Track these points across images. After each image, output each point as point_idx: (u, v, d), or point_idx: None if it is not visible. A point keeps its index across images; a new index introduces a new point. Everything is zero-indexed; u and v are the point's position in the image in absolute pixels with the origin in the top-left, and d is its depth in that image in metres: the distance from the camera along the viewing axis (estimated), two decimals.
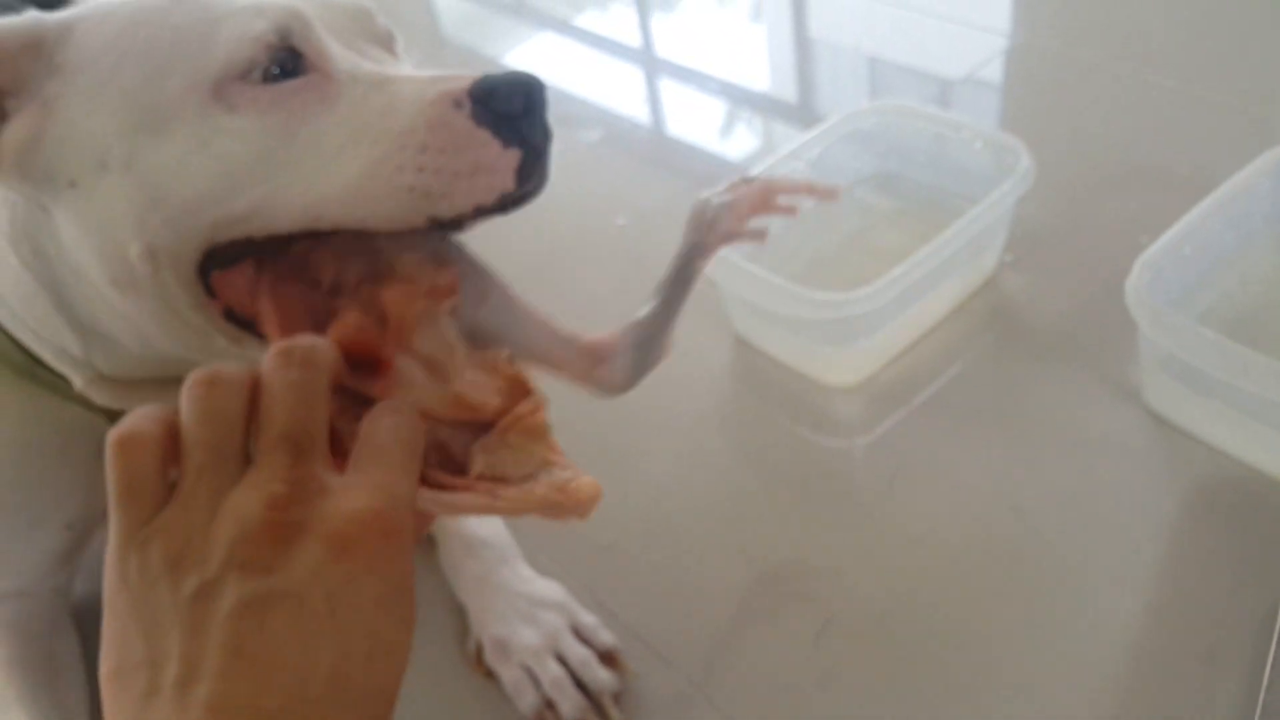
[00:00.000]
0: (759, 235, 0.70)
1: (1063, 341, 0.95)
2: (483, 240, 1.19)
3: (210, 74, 0.53)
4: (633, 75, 1.49)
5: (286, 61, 0.53)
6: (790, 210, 0.70)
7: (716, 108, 1.38)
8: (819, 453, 0.91)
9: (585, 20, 1.61)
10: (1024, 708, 0.71)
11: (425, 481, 0.52)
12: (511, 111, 0.53)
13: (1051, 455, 0.86)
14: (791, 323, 0.91)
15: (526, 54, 1.55)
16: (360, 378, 0.53)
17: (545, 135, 0.55)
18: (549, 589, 0.80)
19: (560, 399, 0.96)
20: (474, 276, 0.59)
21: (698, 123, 1.36)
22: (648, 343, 0.65)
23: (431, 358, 0.56)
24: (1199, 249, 0.86)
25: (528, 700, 0.75)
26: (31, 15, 0.55)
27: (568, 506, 0.53)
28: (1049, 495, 0.83)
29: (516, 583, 0.81)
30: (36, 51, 0.55)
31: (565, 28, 1.60)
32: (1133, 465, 0.85)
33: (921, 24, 1.44)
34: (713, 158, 1.30)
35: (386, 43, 0.60)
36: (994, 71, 1.33)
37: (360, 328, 0.54)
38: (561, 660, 0.76)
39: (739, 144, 1.33)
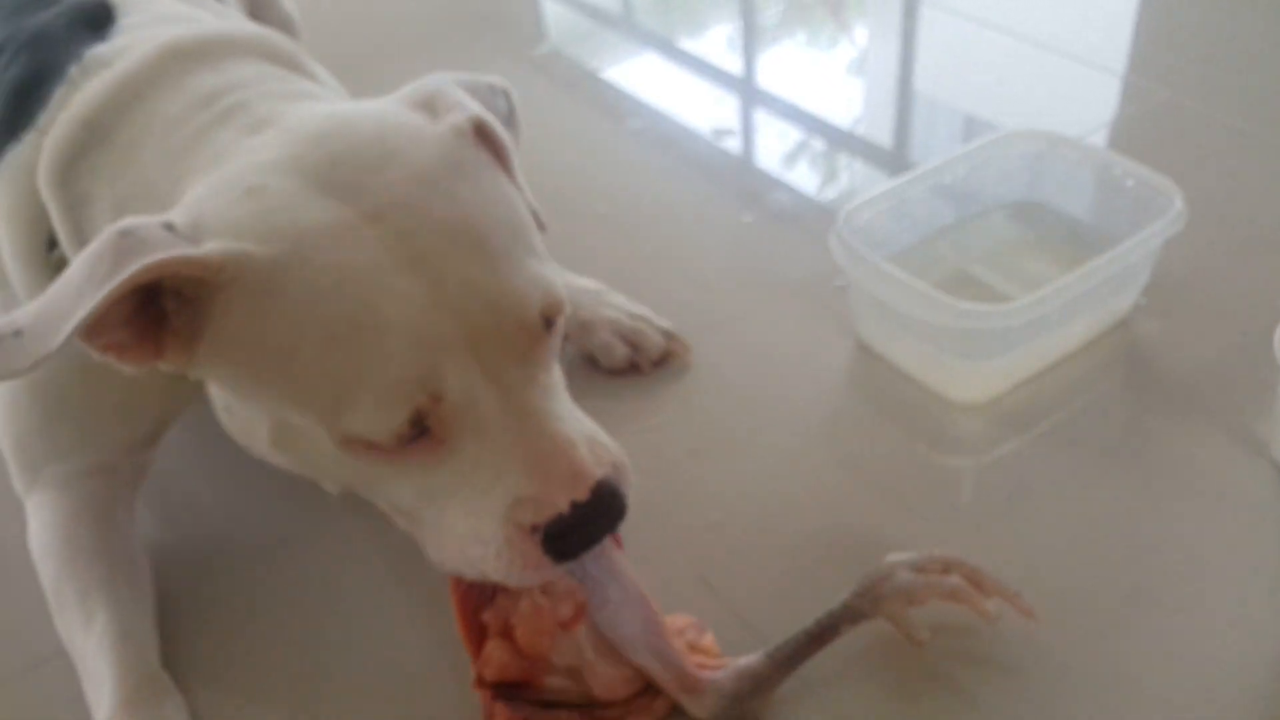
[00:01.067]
0: (918, 639, 0.71)
1: (1192, 390, 0.94)
2: (617, 220, 1.20)
3: (339, 432, 0.57)
4: (731, 102, 1.49)
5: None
6: (987, 615, 0.72)
7: (808, 144, 1.38)
8: (933, 469, 0.90)
9: (690, 44, 1.61)
10: None
11: None
12: (572, 554, 0.61)
13: (1173, 500, 0.85)
14: (924, 331, 0.91)
15: (628, 71, 1.55)
16: (514, 690, 0.66)
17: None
18: (603, 286, 1.01)
19: (679, 375, 0.97)
20: (596, 585, 0.67)
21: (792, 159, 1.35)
22: (745, 696, 0.69)
23: (570, 666, 0.67)
24: None
25: (618, 353, 0.97)
26: (217, 252, 0.55)
27: None
28: (1169, 540, 0.82)
29: (581, 284, 1.01)
30: (202, 282, 0.56)
31: (669, 49, 1.60)
32: (1258, 519, 0.83)
33: (1045, 76, 1.44)
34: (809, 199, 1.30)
35: (532, 351, 0.60)
36: (1122, 126, 1.32)
37: (504, 665, 0.66)
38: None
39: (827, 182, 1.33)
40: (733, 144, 1.35)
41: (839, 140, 1.37)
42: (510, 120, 0.70)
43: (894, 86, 1.47)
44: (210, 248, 0.55)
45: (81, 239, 0.67)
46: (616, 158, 1.33)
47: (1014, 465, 0.89)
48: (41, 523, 0.78)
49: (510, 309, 0.58)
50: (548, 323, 0.61)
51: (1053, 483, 0.87)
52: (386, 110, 0.63)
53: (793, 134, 1.37)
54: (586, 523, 0.60)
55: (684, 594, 0.80)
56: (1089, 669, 0.74)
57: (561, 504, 0.59)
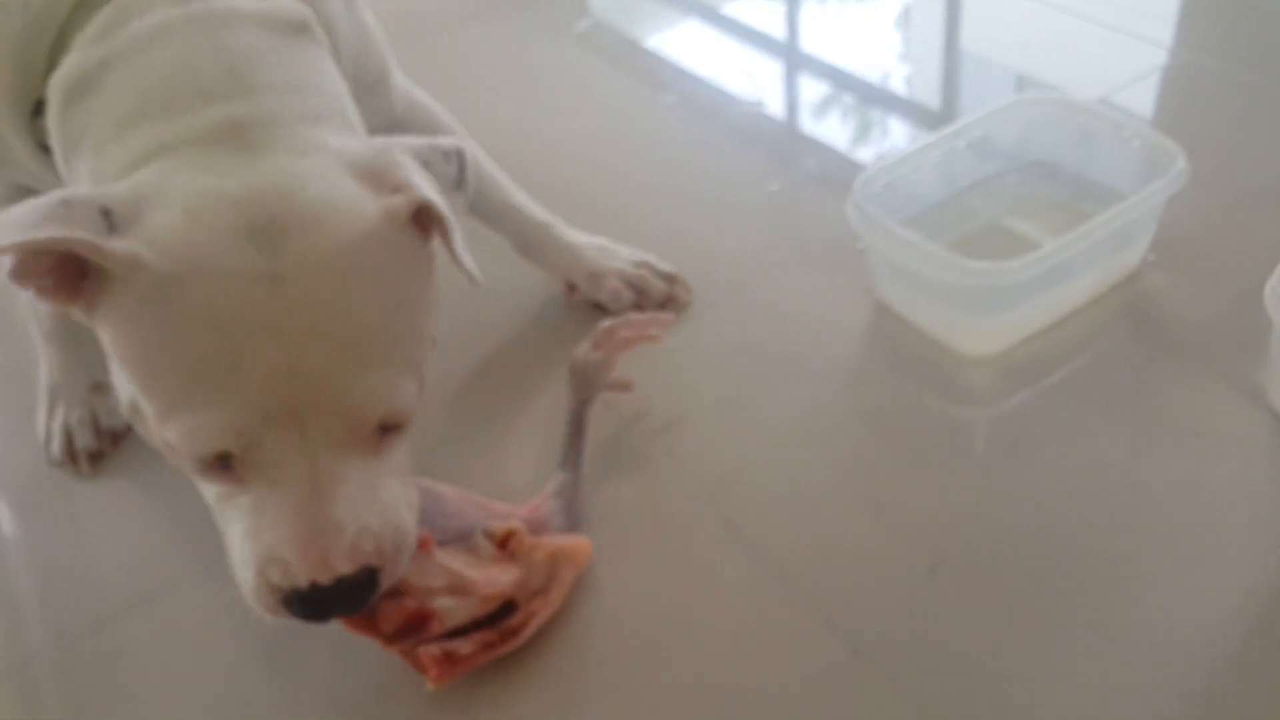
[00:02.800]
0: (626, 386, 0.94)
1: (1196, 342, 0.98)
2: (651, 188, 1.25)
3: (161, 433, 0.65)
4: (774, 68, 1.54)
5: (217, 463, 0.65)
6: (658, 340, 0.96)
7: (854, 107, 1.42)
8: (945, 419, 0.95)
9: (733, 9, 1.66)
10: (1117, 664, 0.75)
11: (514, 635, 0.77)
12: (306, 619, 0.68)
13: (1173, 446, 0.90)
14: (936, 289, 0.96)
15: (672, 39, 1.60)
16: (417, 633, 0.74)
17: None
18: (611, 242, 1.10)
19: (708, 331, 1.02)
20: (425, 516, 0.76)
21: (835, 123, 1.40)
22: (571, 503, 0.85)
23: (449, 585, 0.75)
24: None
25: (624, 298, 1.06)
26: (119, 250, 0.62)
27: (582, 565, 0.82)
28: (1167, 480, 0.87)
29: (590, 241, 1.10)
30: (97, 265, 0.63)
31: (712, 15, 1.65)
32: (1253, 462, 0.88)
33: (1079, 33, 1.47)
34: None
35: (357, 444, 0.67)
36: (1151, 85, 1.35)
37: (393, 611, 0.73)
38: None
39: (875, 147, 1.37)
40: (768, 112, 1.40)
41: (885, 103, 1.41)
42: (460, 182, 0.74)
43: (940, 46, 1.51)
44: (115, 245, 0.62)
45: (71, 167, 0.75)
46: (653, 128, 1.39)
47: (1022, 416, 0.94)
48: None
49: (348, 410, 0.65)
50: (387, 427, 0.68)
51: (1058, 432, 0.92)
52: (337, 180, 0.67)
53: (837, 98, 1.42)
54: (321, 603, 0.67)
55: (708, 536, 0.87)
56: (1084, 598, 0.79)
57: (301, 580, 0.66)
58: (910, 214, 1.07)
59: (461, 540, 0.78)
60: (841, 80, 1.46)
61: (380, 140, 0.72)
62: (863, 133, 1.36)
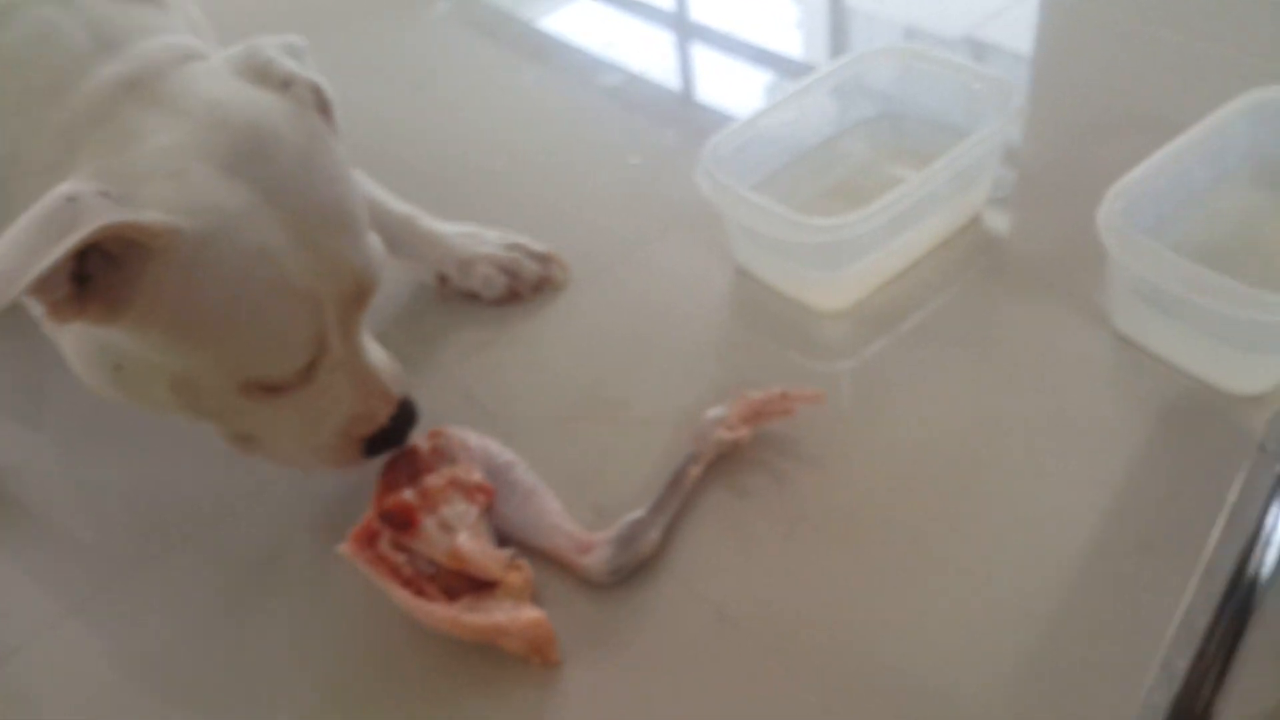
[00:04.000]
0: (738, 444, 0.88)
1: (1042, 274, 1.00)
2: (507, 169, 1.23)
3: (243, 377, 0.72)
4: (664, 38, 1.52)
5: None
6: (787, 413, 0.88)
7: (746, 71, 1.42)
8: (806, 375, 0.96)
9: None
10: (978, 599, 0.77)
11: (419, 593, 0.76)
12: (381, 451, 0.82)
13: (1026, 377, 0.92)
14: (786, 249, 0.97)
15: (561, 18, 1.59)
16: (396, 530, 0.78)
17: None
18: (479, 228, 1.10)
19: (575, 312, 1.01)
20: (508, 483, 0.84)
21: (723, 84, 1.40)
22: (630, 541, 0.81)
23: (445, 521, 0.79)
24: (1173, 184, 0.91)
25: (498, 285, 1.05)
26: (159, 221, 0.63)
27: (513, 632, 0.75)
28: (1022, 412, 0.89)
29: (458, 230, 1.09)
30: (136, 248, 0.64)
31: None
32: (1099, 383, 0.90)
33: None
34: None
35: (367, 305, 0.77)
36: (1019, 18, 1.37)
37: (403, 501, 0.80)
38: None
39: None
40: (637, 82, 1.39)
41: (771, 63, 1.41)
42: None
43: (825, 4, 1.51)
44: (152, 216, 0.63)
45: None
46: (513, 106, 1.38)
47: (880, 364, 0.95)
48: None
49: (364, 275, 0.75)
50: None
51: (915, 377, 0.94)
52: (251, 95, 0.71)
53: (719, 62, 1.42)
54: (398, 429, 0.81)
55: (579, 518, 0.86)
56: (943, 539, 0.81)
57: (383, 418, 0.80)
58: (765, 174, 1.08)
59: (502, 534, 0.83)
60: (725, 44, 1.45)
61: (248, 44, 0.75)
62: (746, 95, 1.36)
